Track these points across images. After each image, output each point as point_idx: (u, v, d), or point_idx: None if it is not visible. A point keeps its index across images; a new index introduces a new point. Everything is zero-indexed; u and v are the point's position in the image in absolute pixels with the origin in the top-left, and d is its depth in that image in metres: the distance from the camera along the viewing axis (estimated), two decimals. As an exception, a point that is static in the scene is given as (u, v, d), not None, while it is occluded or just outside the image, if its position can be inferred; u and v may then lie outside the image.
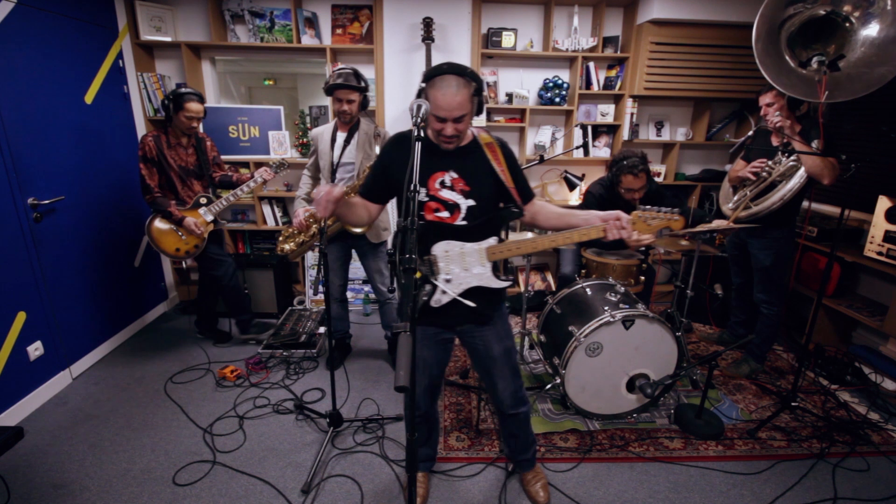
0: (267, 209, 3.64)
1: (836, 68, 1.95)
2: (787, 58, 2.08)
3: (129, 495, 1.86)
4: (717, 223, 2.53)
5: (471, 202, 1.47)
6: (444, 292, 1.49)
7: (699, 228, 2.42)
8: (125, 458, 2.06)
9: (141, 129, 3.35)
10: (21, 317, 2.34)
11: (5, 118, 2.27)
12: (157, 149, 2.62)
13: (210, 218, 2.79)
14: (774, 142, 2.46)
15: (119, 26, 3.15)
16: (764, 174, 2.45)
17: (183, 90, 2.60)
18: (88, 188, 2.83)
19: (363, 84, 2.43)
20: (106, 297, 2.98)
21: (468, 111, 1.37)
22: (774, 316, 2.60)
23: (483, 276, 1.51)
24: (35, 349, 2.42)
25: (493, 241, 1.51)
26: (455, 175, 1.46)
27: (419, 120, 1.19)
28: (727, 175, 2.76)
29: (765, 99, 2.40)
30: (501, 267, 1.65)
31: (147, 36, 3.25)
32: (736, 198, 2.61)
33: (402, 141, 1.51)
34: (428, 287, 1.47)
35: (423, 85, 1.35)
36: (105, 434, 2.22)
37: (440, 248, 1.49)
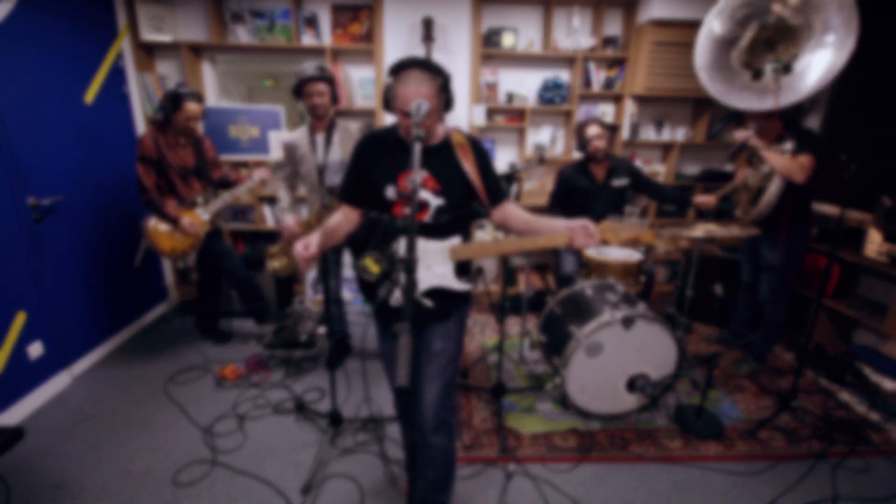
0: (267, 210, 3.64)
1: (789, 70, 2.01)
2: (741, 73, 2.17)
3: (128, 495, 1.86)
4: (710, 227, 2.54)
5: (440, 201, 1.44)
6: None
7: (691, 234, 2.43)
8: (125, 458, 2.06)
9: (141, 129, 3.35)
10: (21, 317, 2.34)
11: (5, 118, 2.27)
12: (157, 149, 2.62)
13: (207, 217, 2.78)
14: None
15: (119, 26, 3.15)
16: (749, 183, 2.50)
17: (181, 90, 2.60)
18: (88, 188, 2.83)
19: (328, 74, 2.44)
20: (106, 296, 2.98)
21: (433, 106, 1.35)
22: (777, 315, 2.60)
23: (445, 276, 1.47)
24: (35, 349, 2.42)
25: (456, 240, 1.47)
26: (426, 174, 1.44)
27: (420, 119, 1.19)
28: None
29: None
30: (470, 269, 1.62)
31: (147, 36, 3.25)
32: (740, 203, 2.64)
33: (374, 139, 1.50)
34: (387, 284, 1.42)
35: (390, 79, 1.35)
36: (105, 434, 2.22)
37: (402, 246, 1.44)
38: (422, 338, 1.56)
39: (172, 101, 2.59)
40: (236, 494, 1.87)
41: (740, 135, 2.43)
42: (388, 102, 1.42)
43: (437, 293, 1.48)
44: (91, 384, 2.64)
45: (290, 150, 2.56)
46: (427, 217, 1.45)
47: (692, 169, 3.90)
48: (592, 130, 2.81)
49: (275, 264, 2.60)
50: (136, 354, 2.97)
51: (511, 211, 1.59)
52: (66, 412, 2.38)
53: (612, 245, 1.49)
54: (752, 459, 2.09)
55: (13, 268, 2.31)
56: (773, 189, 2.38)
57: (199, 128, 2.83)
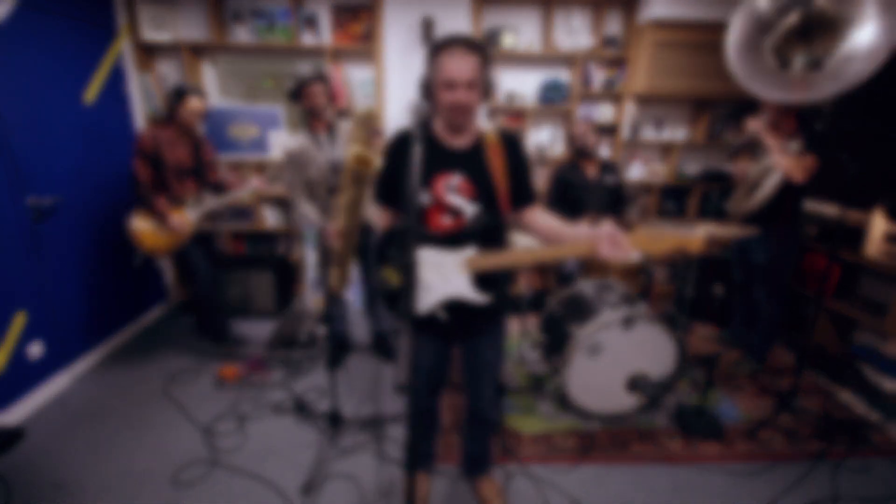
0: (267, 210, 3.64)
1: (819, 66, 1.96)
2: (770, 60, 2.09)
3: (128, 495, 1.86)
4: (706, 229, 2.52)
5: (476, 208, 1.40)
6: (422, 301, 1.41)
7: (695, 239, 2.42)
8: (125, 458, 2.06)
9: (140, 128, 3.35)
10: (22, 316, 2.34)
11: (5, 118, 2.27)
12: (154, 144, 2.59)
13: (193, 217, 2.72)
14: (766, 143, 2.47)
15: (119, 26, 3.15)
16: (749, 176, 2.49)
17: (185, 85, 2.61)
18: (88, 188, 2.83)
19: (323, 74, 2.46)
20: (106, 296, 2.98)
21: (478, 80, 1.30)
22: (774, 315, 2.60)
23: (461, 287, 1.41)
24: (35, 349, 2.42)
25: (474, 250, 1.40)
26: (462, 177, 1.39)
27: (421, 119, 1.16)
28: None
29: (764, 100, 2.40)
30: (497, 280, 1.54)
31: (147, 36, 3.25)
32: (732, 199, 2.63)
33: (405, 138, 1.45)
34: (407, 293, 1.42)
35: (430, 59, 1.32)
36: (105, 434, 2.22)
37: (420, 254, 1.41)
38: (471, 346, 1.60)
39: (177, 95, 2.59)
40: (236, 494, 1.87)
41: (753, 124, 2.36)
42: (428, 89, 1.35)
43: (462, 305, 1.43)
44: (91, 384, 2.64)
45: (293, 157, 2.50)
46: (461, 225, 1.39)
47: (692, 169, 3.90)
48: (579, 128, 2.84)
49: (333, 283, 2.24)
50: (137, 354, 2.97)
51: (536, 216, 1.51)
52: (67, 412, 2.38)
53: (651, 255, 1.29)
54: (752, 459, 2.09)
55: (13, 268, 2.31)
56: (769, 185, 2.36)
57: (201, 126, 2.81)
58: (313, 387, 2.61)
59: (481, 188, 1.40)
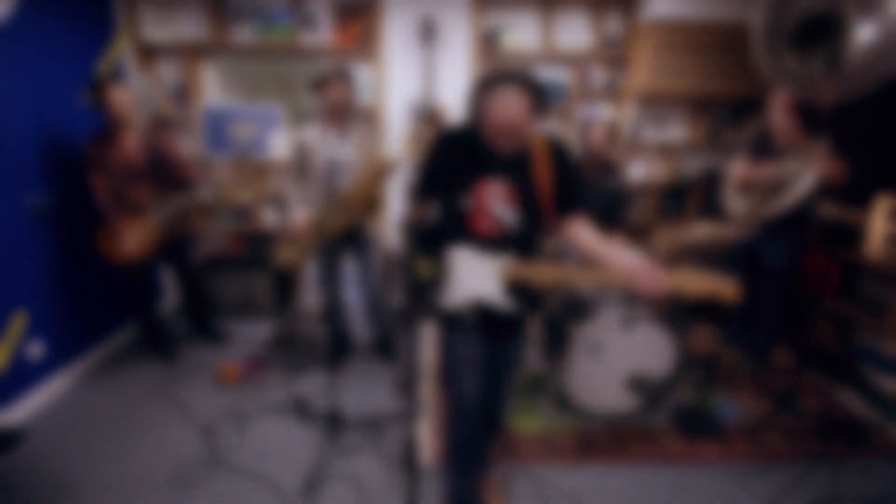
0: (267, 210, 3.63)
1: (836, 66, 1.93)
2: (788, 55, 2.06)
3: (128, 495, 1.86)
4: (714, 229, 2.50)
5: (517, 216, 1.39)
6: (452, 297, 1.43)
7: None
8: (125, 458, 2.06)
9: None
10: (22, 316, 2.34)
11: (5, 118, 2.27)
12: (96, 147, 2.45)
13: (155, 223, 2.55)
14: (778, 142, 2.44)
15: (119, 26, 3.15)
16: (772, 178, 2.43)
17: (101, 76, 2.41)
18: (88, 187, 2.82)
19: (350, 75, 2.49)
20: (107, 296, 2.98)
21: (527, 117, 1.29)
22: (778, 316, 2.59)
23: (492, 292, 1.41)
24: (36, 348, 2.42)
25: (510, 257, 1.41)
26: (506, 184, 1.38)
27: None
28: (732, 177, 2.73)
29: (774, 99, 2.36)
30: (531, 294, 1.54)
31: (147, 36, 3.25)
32: (746, 201, 2.57)
33: (452, 139, 1.44)
34: (436, 288, 1.42)
35: (479, 91, 1.30)
36: (105, 434, 2.22)
37: (457, 253, 1.42)
38: (492, 349, 1.56)
39: (93, 89, 2.37)
40: (236, 494, 1.87)
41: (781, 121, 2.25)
42: (475, 114, 1.34)
43: (485, 309, 1.43)
44: (91, 384, 2.64)
45: (300, 147, 2.51)
46: (501, 232, 1.40)
47: (693, 169, 3.90)
48: (597, 138, 2.72)
49: (286, 255, 2.42)
50: (136, 354, 2.97)
51: (578, 230, 1.47)
52: (67, 412, 2.38)
53: (684, 293, 1.26)
54: (752, 459, 2.09)
55: (14, 267, 2.31)
56: (802, 188, 2.28)
57: (138, 118, 2.57)
58: (313, 387, 2.61)
59: (525, 196, 1.40)
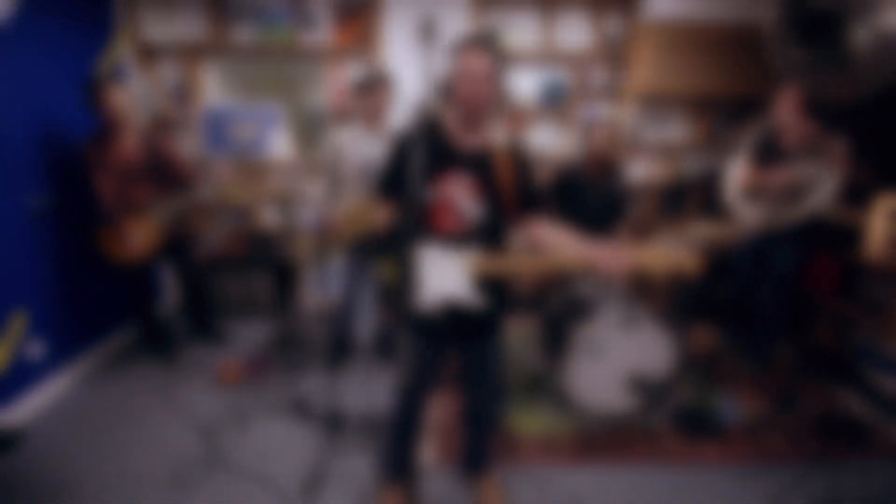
0: (267, 210, 3.63)
1: (842, 62, 1.89)
2: (797, 49, 2.02)
3: (128, 495, 1.86)
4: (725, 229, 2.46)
5: (481, 209, 1.41)
6: (422, 298, 1.42)
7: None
8: (125, 458, 2.06)
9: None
10: (22, 316, 2.34)
11: (5, 117, 2.27)
12: (93, 148, 2.46)
13: (156, 223, 2.55)
14: (787, 144, 2.37)
15: (119, 26, 3.16)
16: (788, 183, 2.37)
17: (99, 77, 2.41)
18: (88, 186, 2.82)
19: (391, 81, 2.58)
20: (107, 296, 2.98)
21: (494, 77, 1.36)
22: (781, 318, 2.58)
23: (461, 289, 1.41)
24: (37, 348, 2.42)
25: (476, 252, 1.41)
26: (469, 177, 1.40)
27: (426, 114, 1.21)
28: (738, 179, 2.65)
29: (783, 98, 2.31)
30: (500, 289, 1.54)
31: (147, 36, 3.25)
32: (758, 207, 2.52)
33: (412, 135, 1.44)
34: (405, 291, 1.41)
35: (450, 56, 1.37)
36: (104, 434, 2.22)
37: (423, 252, 1.41)
38: (469, 347, 1.60)
39: (89, 90, 2.37)
40: (236, 494, 1.87)
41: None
42: (445, 86, 1.43)
43: (457, 308, 1.43)
44: (92, 384, 2.64)
45: (340, 147, 2.58)
46: (466, 226, 1.41)
47: (693, 169, 3.90)
48: (600, 141, 2.65)
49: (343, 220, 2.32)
50: (137, 354, 2.97)
51: (542, 230, 1.50)
52: (67, 412, 2.38)
53: (648, 270, 1.32)
54: (752, 459, 2.09)
55: (14, 267, 2.31)
56: (824, 193, 2.23)
57: (135, 120, 2.56)
58: (313, 387, 2.61)
59: (488, 190, 1.41)
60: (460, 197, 1.40)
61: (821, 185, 2.26)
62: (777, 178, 2.41)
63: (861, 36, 1.82)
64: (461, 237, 1.41)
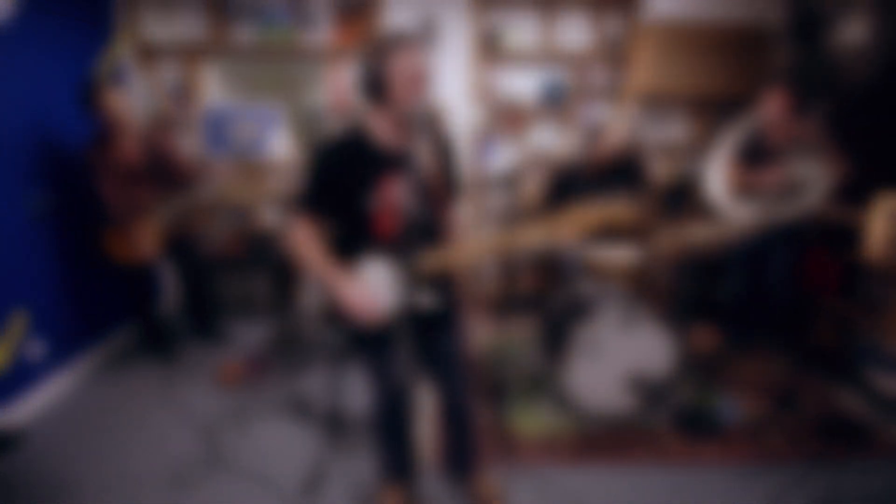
0: (267, 210, 3.64)
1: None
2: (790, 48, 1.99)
3: (128, 495, 1.86)
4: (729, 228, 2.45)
5: (416, 207, 1.39)
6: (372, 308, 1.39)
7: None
8: (124, 458, 2.06)
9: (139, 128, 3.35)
10: (22, 316, 2.34)
11: (5, 116, 2.27)
12: (94, 151, 2.46)
13: (159, 224, 2.56)
14: (774, 143, 2.41)
15: (119, 26, 3.16)
16: (782, 182, 2.38)
17: (97, 78, 2.41)
18: (89, 185, 2.82)
19: None
20: (107, 295, 2.98)
21: (432, 79, 1.35)
22: (780, 316, 2.57)
23: (412, 292, 1.40)
24: (36, 348, 2.42)
25: (423, 251, 1.40)
26: (401, 177, 1.38)
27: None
28: (723, 179, 2.64)
29: (771, 96, 2.31)
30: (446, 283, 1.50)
31: (147, 35, 3.25)
32: (750, 207, 2.52)
33: (339, 147, 1.42)
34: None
35: (380, 55, 1.31)
36: (104, 434, 2.22)
37: (367, 259, 1.39)
38: (430, 344, 1.57)
39: (86, 93, 2.36)
40: (236, 494, 1.87)
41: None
42: (376, 87, 1.32)
43: (412, 312, 1.42)
44: (92, 383, 2.64)
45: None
46: (408, 228, 1.39)
47: (693, 169, 3.90)
48: (606, 145, 2.69)
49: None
50: (137, 354, 2.97)
51: (455, 216, 1.51)
52: (67, 411, 2.38)
53: (589, 231, 1.30)
54: (752, 460, 2.09)
55: (14, 266, 2.31)
56: (819, 190, 2.23)
57: (134, 121, 2.57)
58: (313, 387, 2.61)
59: (420, 188, 1.39)
60: (398, 199, 1.38)
61: (814, 184, 2.26)
62: (769, 178, 2.40)
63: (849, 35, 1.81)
64: (405, 240, 1.40)
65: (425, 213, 1.41)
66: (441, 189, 1.41)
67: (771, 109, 2.35)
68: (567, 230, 1.31)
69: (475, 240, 1.42)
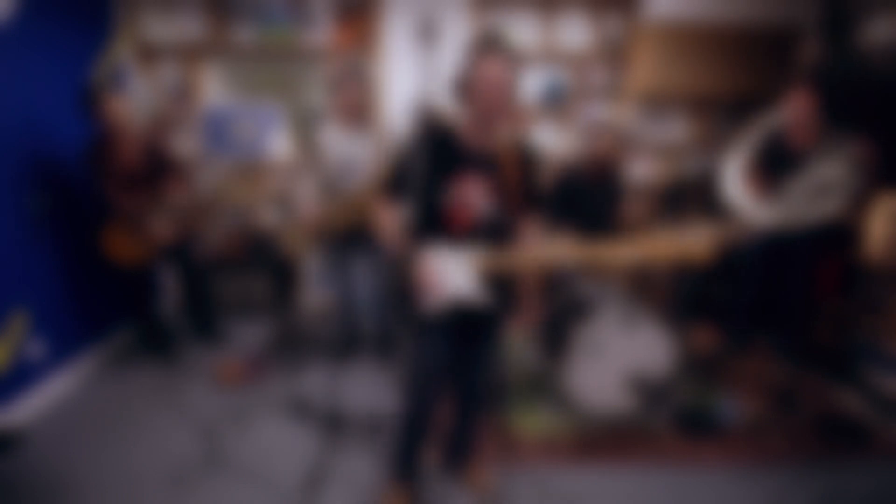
0: (267, 210, 3.63)
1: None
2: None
3: (128, 495, 1.86)
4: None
5: (491, 209, 1.44)
6: (432, 299, 1.45)
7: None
8: (125, 458, 2.06)
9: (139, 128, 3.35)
10: (22, 315, 2.34)
11: (5, 117, 2.27)
12: (95, 154, 2.46)
13: (159, 224, 2.57)
14: (796, 145, 2.32)
15: (119, 26, 3.15)
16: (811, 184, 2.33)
17: (98, 84, 2.39)
18: (89, 185, 2.82)
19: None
20: (107, 295, 2.98)
21: (513, 85, 1.38)
22: (797, 316, 2.56)
23: (466, 288, 1.44)
24: (36, 348, 2.42)
25: (487, 251, 1.44)
26: (481, 177, 1.43)
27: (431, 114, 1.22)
28: (739, 182, 2.59)
29: (796, 96, 2.26)
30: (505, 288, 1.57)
31: (147, 36, 3.25)
32: (776, 209, 2.46)
33: (425, 135, 1.46)
34: (413, 291, 1.44)
35: (469, 58, 1.38)
36: (105, 434, 2.22)
37: (437, 247, 1.45)
38: (470, 342, 1.62)
39: (88, 98, 2.37)
40: (236, 494, 1.87)
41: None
42: (463, 87, 1.40)
43: (464, 306, 1.46)
44: (92, 383, 2.64)
45: (315, 144, 2.59)
46: (478, 224, 1.44)
47: (693, 169, 3.90)
48: (603, 144, 2.65)
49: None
50: (137, 354, 2.96)
51: (528, 224, 1.55)
52: (67, 411, 2.38)
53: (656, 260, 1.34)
54: (752, 460, 2.09)
55: (14, 266, 2.31)
56: (848, 192, 2.20)
57: (133, 126, 2.56)
58: (313, 386, 2.61)
59: (497, 189, 1.44)
60: (475, 197, 1.43)
61: (840, 186, 2.22)
62: (756, 178, 2.38)
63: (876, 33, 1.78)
64: (471, 235, 1.45)
65: (500, 214, 1.46)
66: (519, 196, 1.47)
67: (795, 110, 2.28)
68: (659, 254, 1.34)
69: (553, 247, 1.46)
